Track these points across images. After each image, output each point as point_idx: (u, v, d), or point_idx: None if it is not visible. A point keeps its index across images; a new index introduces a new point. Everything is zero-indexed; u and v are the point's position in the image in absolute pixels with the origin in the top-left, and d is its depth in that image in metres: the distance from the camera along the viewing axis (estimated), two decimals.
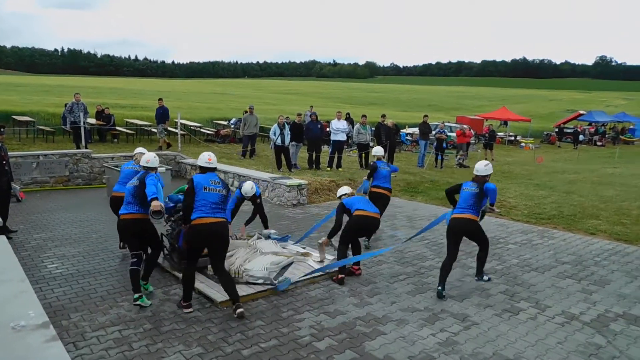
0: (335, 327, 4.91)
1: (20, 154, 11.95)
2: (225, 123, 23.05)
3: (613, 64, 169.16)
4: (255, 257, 6.48)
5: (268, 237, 7.52)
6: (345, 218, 6.45)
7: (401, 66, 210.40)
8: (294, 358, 4.29)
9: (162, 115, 16.95)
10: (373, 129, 16.92)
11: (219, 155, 16.17)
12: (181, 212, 6.17)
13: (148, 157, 5.79)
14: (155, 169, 5.71)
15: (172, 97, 40.45)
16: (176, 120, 17.33)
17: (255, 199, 7.41)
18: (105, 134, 18.29)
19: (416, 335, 4.76)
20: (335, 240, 6.54)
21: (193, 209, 5.04)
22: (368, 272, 6.55)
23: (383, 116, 17.14)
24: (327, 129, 17.17)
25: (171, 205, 6.49)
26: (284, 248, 7.15)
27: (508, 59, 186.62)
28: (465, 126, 21.82)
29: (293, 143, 14.48)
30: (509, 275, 6.57)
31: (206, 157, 5.31)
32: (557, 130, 36.46)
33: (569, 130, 35.23)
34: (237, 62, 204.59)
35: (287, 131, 13.91)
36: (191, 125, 21.08)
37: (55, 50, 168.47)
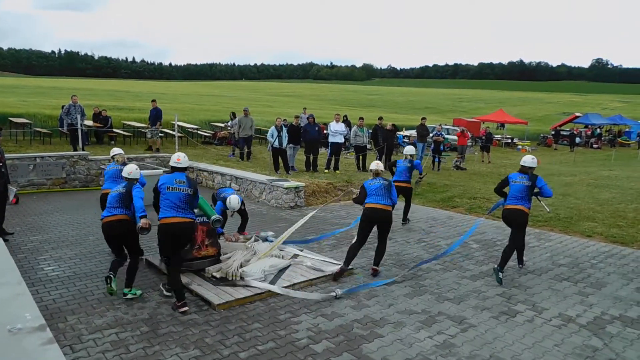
0: (333, 329, 4.91)
1: (17, 156, 11.92)
2: (222, 125, 23.03)
3: (609, 66, 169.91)
4: (253, 260, 6.49)
5: (265, 239, 7.53)
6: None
7: (398, 68, 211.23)
8: None
9: (156, 116, 16.92)
10: (370, 131, 16.94)
11: (217, 157, 16.27)
12: None
13: (130, 169, 5.83)
14: (137, 179, 5.82)
15: (169, 99, 40.44)
16: (173, 122, 17.31)
17: (240, 208, 7.41)
18: (102, 136, 18.25)
19: (413, 338, 4.76)
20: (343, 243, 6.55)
21: (160, 208, 5.29)
22: (365, 274, 6.56)
23: (380, 119, 17.17)
24: (325, 131, 17.20)
25: None
26: (281, 250, 7.14)
27: (505, 62, 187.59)
28: (463, 128, 21.93)
29: (290, 145, 14.48)
30: (505, 277, 6.58)
31: (175, 157, 5.52)
32: (553, 132, 36.59)
33: (565, 133, 35.36)
34: (234, 64, 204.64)
35: (284, 133, 13.91)
36: (188, 128, 21.06)
37: (52, 51, 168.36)
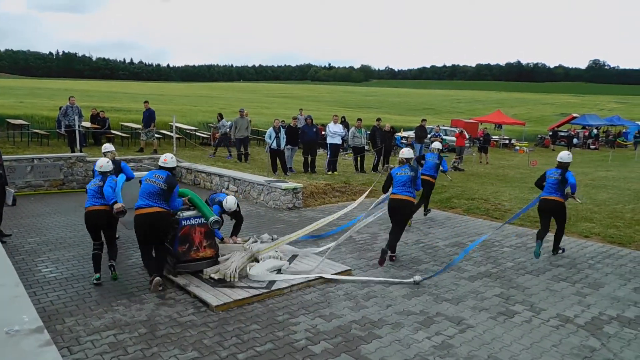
0: (331, 330, 4.91)
1: (14, 158, 11.90)
2: (215, 126, 23.02)
3: (606, 67, 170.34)
4: (256, 263, 6.48)
5: (263, 241, 7.52)
6: None
7: (396, 69, 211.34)
8: None
9: (149, 117, 16.89)
10: (368, 132, 16.96)
11: (215, 159, 16.26)
12: (175, 217, 6.24)
13: (101, 162, 6.34)
14: (108, 172, 6.30)
15: (167, 100, 40.41)
16: (171, 123, 17.30)
17: (237, 211, 7.40)
18: (100, 138, 18.22)
19: (411, 339, 4.77)
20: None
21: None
22: (364, 275, 6.56)
23: (378, 120, 17.20)
24: (323, 133, 17.21)
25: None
26: (276, 251, 7.14)
27: (502, 63, 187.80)
28: (461, 129, 21.97)
29: (288, 146, 14.49)
30: (504, 278, 6.60)
31: (162, 158, 6.04)
32: (551, 133, 36.67)
33: (563, 134, 35.44)
34: (232, 65, 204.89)
35: (282, 135, 13.92)
36: (186, 129, 21.05)
37: (50, 53, 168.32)
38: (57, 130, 16.27)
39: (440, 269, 6.77)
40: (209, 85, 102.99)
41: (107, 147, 7.56)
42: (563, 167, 7.46)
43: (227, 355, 4.38)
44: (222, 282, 5.95)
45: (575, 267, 7.16)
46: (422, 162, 10.03)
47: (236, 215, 7.57)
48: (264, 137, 15.44)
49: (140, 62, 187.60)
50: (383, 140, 15.88)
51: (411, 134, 23.50)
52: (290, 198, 10.79)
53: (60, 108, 15.86)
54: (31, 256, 7.04)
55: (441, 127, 24.00)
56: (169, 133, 18.95)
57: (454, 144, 21.07)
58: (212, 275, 6.09)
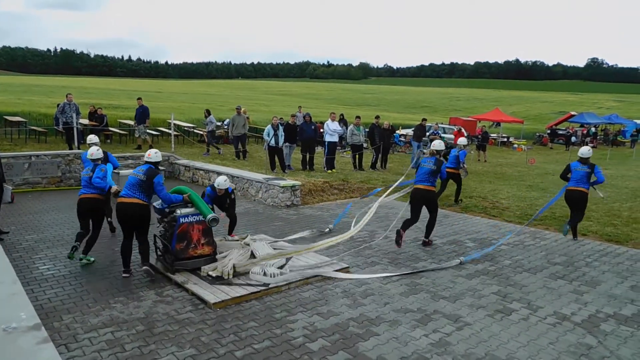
0: (329, 328, 4.92)
1: (12, 155, 11.87)
2: (219, 124, 23.00)
3: (604, 66, 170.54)
4: (257, 262, 6.47)
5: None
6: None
7: (395, 67, 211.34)
8: (287, 359, 4.30)
9: (142, 114, 16.84)
10: (367, 130, 16.97)
11: (213, 156, 16.25)
12: (173, 214, 6.25)
13: (92, 150, 6.95)
14: (99, 159, 6.90)
15: (165, 97, 40.34)
16: (169, 121, 17.27)
17: (229, 195, 7.36)
18: (98, 135, 18.19)
19: (409, 336, 4.78)
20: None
21: None
22: (361, 272, 6.56)
23: (377, 117, 17.20)
24: (321, 130, 17.20)
25: (164, 206, 6.49)
26: (274, 249, 7.14)
27: (501, 61, 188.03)
28: (460, 127, 21.98)
29: (287, 144, 14.49)
30: (501, 276, 6.61)
31: (147, 153, 6.40)
32: (549, 131, 36.71)
33: (561, 132, 35.49)
34: (230, 62, 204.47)
35: (280, 132, 13.91)
36: (184, 126, 21.03)
37: (48, 50, 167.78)
38: (55, 127, 16.24)
39: (476, 252, 7.49)
40: (207, 83, 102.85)
41: (93, 138, 8.14)
42: (586, 161, 8.33)
43: (224, 352, 4.38)
44: (219, 280, 5.95)
45: (573, 265, 7.18)
46: (447, 156, 11.07)
47: (230, 205, 7.49)
48: (263, 134, 15.44)
49: (139, 60, 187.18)
50: (381, 138, 15.88)
51: (410, 131, 23.52)
52: (288, 196, 10.79)
53: (58, 105, 15.82)
54: (29, 253, 7.03)
55: (440, 125, 23.99)
56: (167, 130, 18.92)
57: (452, 141, 21.08)
58: (210, 273, 6.09)
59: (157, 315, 5.11)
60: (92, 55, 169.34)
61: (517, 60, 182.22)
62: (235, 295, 5.54)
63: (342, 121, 21.38)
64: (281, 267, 6.35)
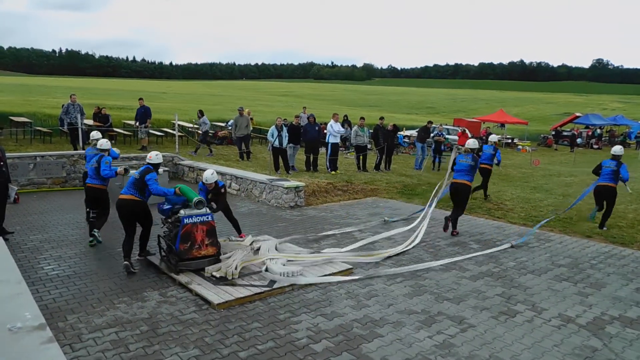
0: (332, 329, 4.91)
1: (17, 155, 11.92)
2: (222, 125, 23.03)
3: (610, 67, 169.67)
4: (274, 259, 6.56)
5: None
6: None
7: (399, 68, 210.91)
8: None
9: (143, 114, 16.86)
10: (371, 131, 16.95)
11: (217, 157, 16.27)
12: (177, 215, 6.27)
13: (101, 142, 7.94)
14: (107, 150, 7.83)
15: (169, 98, 40.44)
16: (173, 121, 17.29)
17: (219, 189, 7.35)
18: (103, 135, 18.23)
19: (413, 338, 4.77)
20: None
21: None
22: (365, 274, 6.56)
23: (381, 119, 17.18)
24: (325, 131, 17.20)
25: (168, 207, 6.51)
26: (278, 252, 7.14)
27: (505, 62, 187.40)
28: (464, 128, 21.94)
29: (290, 145, 14.48)
30: (505, 277, 6.59)
31: (148, 155, 6.87)
32: (553, 133, 36.56)
33: (566, 133, 35.34)
34: (234, 63, 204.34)
35: (284, 133, 13.91)
36: (188, 127, 21.05)
37: (53, 51, 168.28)
38: (60, 127, 16.31)
39: (525, 236, 8.42)
40: (212, 84, 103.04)
41: (95, 135, 8.85)
42: (617, 159, 9.19)
43: (228, 353, 4.38)
44: (223, 280, 5.96)
45: (577, 267, 7.14)
46: (480, 153, 11.36)
47: (221, 197, 7.43)
48: (266, 135, 15.44)
49: (143, 60, 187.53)
50: (385, 139, 15.86)
51: (414, 133, 23.48)
52: (292, 197, 10.79)
53: (62, 106, 15.89)
54: (34, 253, 7.06)
55: (444, 127, 23.94)
56: (170, 131, 18.94)
57: (456, 142, 21.03)
58: (214, 273, 6.10)
59: (161, 315, 5.12)
60: (96, 56, 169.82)
61: (522, 61, 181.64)
62: (239, 296, 5.54)
63: (347, 122, 21.37)
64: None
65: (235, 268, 6.12)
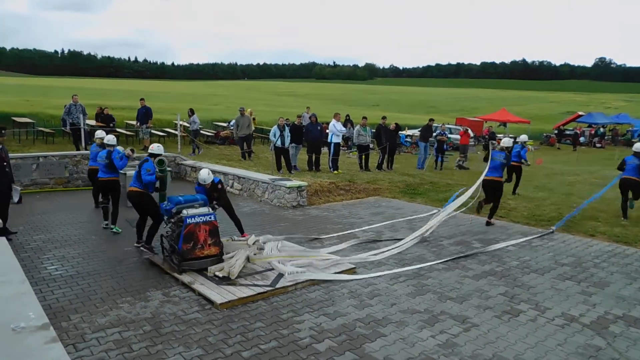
0: (335, 328, 4.91)
1: (20, 156, 11.95)
2: (225, 125, 23.06)
3: (612, 65, 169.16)
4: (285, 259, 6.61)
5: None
6: None
7: (401, 68, 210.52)
8: None
9: (145, 115, 16.87)
10: (373, 130, 16.94)
11: (219, 157, 16.29)
12: (180, 215, 6.28)
13: (108, 138, 8.75)
14: (113, 146, 8.58)
15: (171, 98, 40.48)
16: (176, 122, 17.31)
17: (216, 185, 7.36)
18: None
19: (416, 337, 4.76)
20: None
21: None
22: (368, 273, 6.55)
23: (384, 118, 17.17)
24: (327, 131, 17.20)
25: (171, 207, 6.51)
26: (279, 251, 7.14)
27: (507, 61, 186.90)
28: (466, 127, 21.90)
29: (293, 145, 14.49)
30: (508, 277, 6.58)
31: (150, 146, 7.66)
32: (556, 132, 36.49)
33: (569, 132, 35.27)
34: (236, 63, 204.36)
35: (287, 133, 13.92)
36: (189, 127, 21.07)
37: (55, 51, 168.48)
38: (63, 128, 16.34)
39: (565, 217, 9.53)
40: (213, 84, 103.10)
41: (100, 133, 9.49)
42: (639, 155, 9.78)
43: (231, 353, 4.39)
44: (226, 280, 5.97)
45: (581, 265, 7.13)
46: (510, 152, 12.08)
47: (220, 196, 7.46)
48: (269, 135, 15.45)
49: (145, 61, 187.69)
50: (388, 139, 15.85)
51: (416, 132, 23.45)
52: (294, 196, 10.79)
53: (65, 106, 15.92)
54: (37, 253, 7.08)
55: (446, 126, 23.90)
56: (173, 131, 18.97)
57: (459, 142, 20.99)
58: (217, 273, 6.10)
59: (164, 315, 5.13)
60: (99, 57, 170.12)
61: (524, 60, 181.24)
62: (241, 295, 5.54)
63: (349, 121, 21.36)
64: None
65: (239, 268, 6.12)
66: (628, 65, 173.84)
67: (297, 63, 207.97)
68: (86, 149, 14.14)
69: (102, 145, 8.90)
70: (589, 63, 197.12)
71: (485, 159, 9.57)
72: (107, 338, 4.59)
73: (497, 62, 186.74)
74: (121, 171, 8.77)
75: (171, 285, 5.98)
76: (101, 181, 8.65)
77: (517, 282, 6.40)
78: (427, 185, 13.46)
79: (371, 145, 16.32)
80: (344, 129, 15.36)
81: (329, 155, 14.96)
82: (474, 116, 40.04)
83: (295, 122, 15.23)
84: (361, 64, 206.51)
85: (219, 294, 5.53)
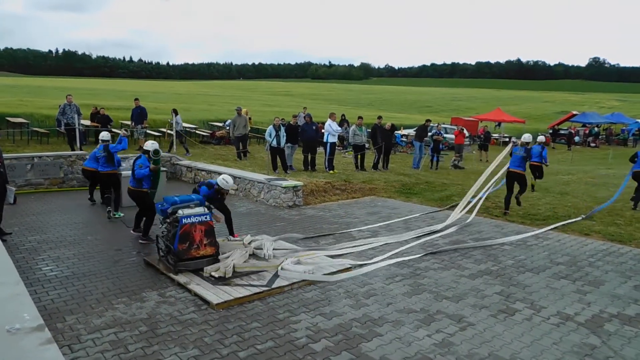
0: (332, 328, 4.91)
1: (14, 156, 11.89)
2: (220, 124, 23.03)
3: (606, 65, 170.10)
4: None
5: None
6: None
7: (396, 67, 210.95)
8: None
9: (140, 115, 16.83)
10: (369, 130, 16.96)
11: (215, 157, 16.27)
12: (175, 215, 6.27)
13: (102, 134, 9.76)
14: (107, 141, 9.51)
15: (166, 98, 40.36)
16: (171, 121, 17.26)
17: (213, 186, 7.42)
18: None
19: (412, 336, 4.77)
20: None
21: None
22: (364, 273, 6.55)
23: (379, 118, 17.19)
24: (322, 130, 17.21)
25: (166, 207, 6.50)
26: (275, 250, 7.14)
27: (502, 61, 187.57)
28: (462, 127, 21.96)
29: (288, 145, 14.49)
30: (504, 276, 6.60)
31: (145, 143, 8.14)
32: (551, 131, 36.64)
33: (563, 132, 35.41)
34: (231, 63, 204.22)
35: (282, 133, 13.92)
36: (186, 127, 21.03)
37: (50, 51, 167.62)
38: (57, 128, 16.27)
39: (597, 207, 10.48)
40: (209, 84, 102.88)
41: (105, 135, 9.83)
42: None
43: (227, 353, 4.38)
44: (222, 280, 5.96)
45: (576, 264, 7.16)
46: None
47: (221, 199, 7.53)
48: (264, 135, 15.43)
49: (140, 61, 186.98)
50: (383, 139, 15.87)
51: (411, 132, 23.50)
52: (290, 196, 10.78)
53: (59, 106, 15.86)
54: (32, 254, 7.04)
55: (442, 125, 23.97)
56: (168, 131, 18.92)
57: (454, 141, 21.05)
58: (213, 274, 6.09)
59: (160, 316, 5.11)
60: (93, 57, 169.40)
61: (519, 60, 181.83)
62: (238, 295, 5.54)
63: (345, 121, 21.38)
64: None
65: (234, 268, 6.12)
66: (622, 65, 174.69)
67: (293, 63, 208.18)
68: (81, 149, 14.10)
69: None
70: (583, 63, 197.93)
71: (510, 154, 10.68)
72: (102, 339, 4.57)
73: (492, 61, 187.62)
74: (119, 172, 9.47)
75: (167, 286, 5.96)
76: (102, 175, 9.52)
77: (512, 281, 6.42)
78: (423, 185, 13.48)
79: (367, 145, 16.34)
80: (339, 128, 15.37)
81: (325, 155, 14.96)
82: (469, 116, 40.17)
83: (291, 122, 15.22)
84: (357, 63, 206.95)
85: (215, 294, 5.52)
